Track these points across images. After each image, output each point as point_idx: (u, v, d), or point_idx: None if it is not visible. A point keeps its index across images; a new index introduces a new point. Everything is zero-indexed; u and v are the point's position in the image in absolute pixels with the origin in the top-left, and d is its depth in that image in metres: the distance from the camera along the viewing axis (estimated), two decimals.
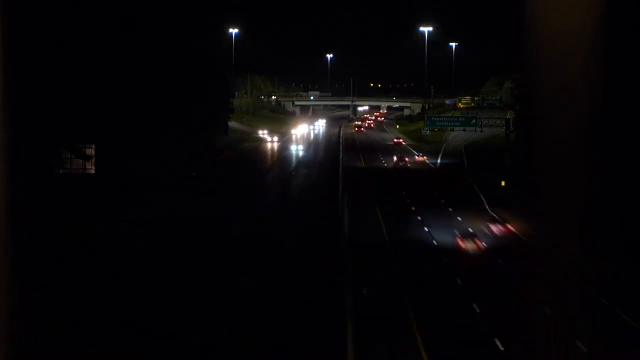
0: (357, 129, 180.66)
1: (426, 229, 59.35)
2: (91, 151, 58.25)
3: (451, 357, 31.71)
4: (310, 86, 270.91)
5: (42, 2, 54.12)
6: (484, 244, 52.61)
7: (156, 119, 73.41)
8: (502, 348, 32.21)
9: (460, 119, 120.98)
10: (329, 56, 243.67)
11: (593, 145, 56.79)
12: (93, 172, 58.08)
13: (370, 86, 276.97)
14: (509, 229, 58.94)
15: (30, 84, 50.43)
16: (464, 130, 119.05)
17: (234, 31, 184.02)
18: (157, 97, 73.45)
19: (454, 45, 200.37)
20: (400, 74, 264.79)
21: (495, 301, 38.87)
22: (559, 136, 63.75)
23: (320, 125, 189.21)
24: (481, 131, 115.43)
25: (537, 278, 32.67)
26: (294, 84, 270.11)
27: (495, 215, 65.14)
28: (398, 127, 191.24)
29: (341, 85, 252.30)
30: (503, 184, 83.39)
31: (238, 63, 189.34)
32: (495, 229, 58.73)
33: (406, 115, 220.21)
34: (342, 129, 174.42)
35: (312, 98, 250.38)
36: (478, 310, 37.64)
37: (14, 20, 48.01)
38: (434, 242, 55.07)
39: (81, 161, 57.98)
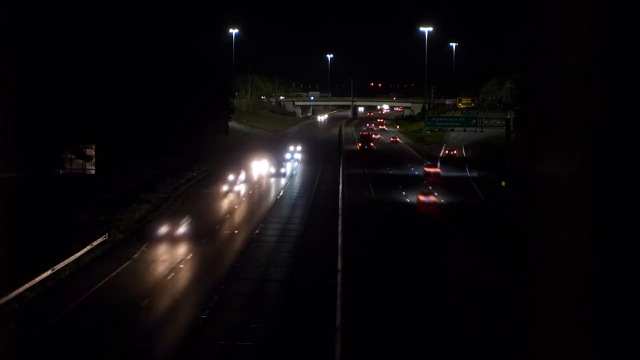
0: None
1: None
2: (91, 151, 58.24)
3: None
4: (310, 86, 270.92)
5: (43, 3, 54.14)
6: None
7: (156, 119, 73.41)
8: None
9: (460, 119, 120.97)
10: (329, 56, 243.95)
11: (593, 145, 56.82)
12: (93, 172, 58.06)
13: (371, 86, 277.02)
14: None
15: (31, 85, 50.45)
16: (464, 130, 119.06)
17: (234, 31, 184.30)
18: (157, 97, 73.45)
19: (454, 45, 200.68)
20: (400, 74, 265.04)
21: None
22: (558, 136, 63.79)
23: (297, 158, 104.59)
24: (481, 131, 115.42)
25: None
26: (294, 84, 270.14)
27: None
28: (398, 127, 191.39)
29: (341, 85, 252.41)
30: (503, 183, 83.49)
31: (238, 63, 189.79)
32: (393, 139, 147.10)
33: (406, 115, 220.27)
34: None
35: (312, 98, 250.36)
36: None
37: (15, 21, 48.02)
38: None
39: (81, 161, 57.97)
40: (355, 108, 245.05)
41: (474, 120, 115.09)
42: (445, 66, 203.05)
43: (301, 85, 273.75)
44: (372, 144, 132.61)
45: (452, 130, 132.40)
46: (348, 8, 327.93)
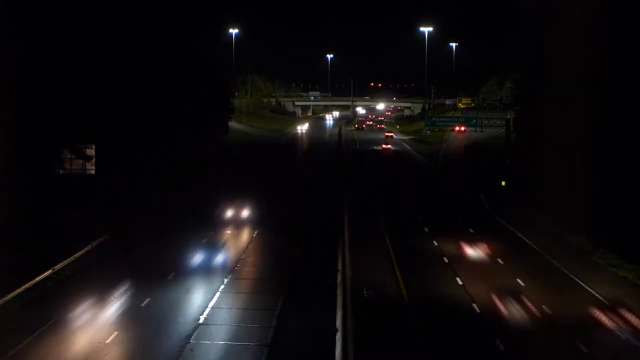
0: None
1: None
2: (91, 151, 58.21)
3: None
4: (310, 86, 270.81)
5: (43, 3, 54.13)
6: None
7: (155, 119, 73.38)
8: None
9: (460, 119, 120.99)
10: (329, 56, 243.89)
11: (592, 145, 56.77)
12: (93, 172, 58.06)
13: (371, 86, 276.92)
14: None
15: (31, 84, 50.46)
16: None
17: (234, 31, 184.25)
18: (156, 98, 73.43)
19: (454, 45, 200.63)
20: (400, 74, 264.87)
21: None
22: (558, 136, 63.77)
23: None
24: (481, 131, 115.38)
25: None
26: (293, 84, 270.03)
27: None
28: (398, 127, 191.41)
29: (341, 85, 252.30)
30: (503, 183, 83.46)
31: (238, 63, 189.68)
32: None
33: (406, 115, 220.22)
34: None
35: (312, 98, 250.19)
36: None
37: (15, 21, 48.03)
38: None
39: (81, 161, 57.95)
40: (355, 108, 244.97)
41: (474, 120, 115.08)
42: (445, 66, 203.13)
43: (301, 85, 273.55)
44: (364, 126, 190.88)
45: (452, 130, 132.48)
46: (348, 8, 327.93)
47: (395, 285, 40.71)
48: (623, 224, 50.77)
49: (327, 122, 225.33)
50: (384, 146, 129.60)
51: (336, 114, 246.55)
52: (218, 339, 32.75)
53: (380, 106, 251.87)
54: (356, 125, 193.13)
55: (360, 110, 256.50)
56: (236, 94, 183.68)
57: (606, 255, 48.59)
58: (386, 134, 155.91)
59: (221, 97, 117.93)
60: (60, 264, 42.60)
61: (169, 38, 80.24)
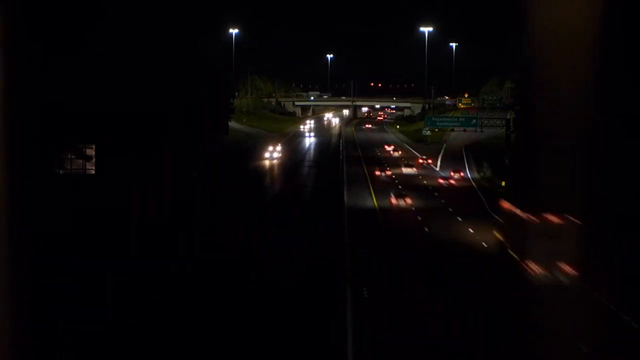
0: None
1: None
2: (91, 151, 58.24)
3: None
4: (310, 86, 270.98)
5: (43, 3, 54.14)
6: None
7: (155, 119, 73.37)
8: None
9: (460, 119, 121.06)
10: (329, 56, 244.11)
11: (592, 145, 56.86)
12: (93, 172, 58.08)
13: (371, 86, 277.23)
14: None
15: (30, 84, 50.48)
16: (464, 130, 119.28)
17: (234, 31, 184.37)
18: (156, 98, 73.43)
19: (454, 45, 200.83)
20: (400, 74, 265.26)
21: None
22: (558, 136, 63.84)
23: None
24: (481, 131, 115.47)
25: None
26: (293, 84, 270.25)
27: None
28: (398, 127, 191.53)
29: (341, 85, 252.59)
30: (503, 183, 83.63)
31: (238, 63, 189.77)
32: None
33: (406, 115, 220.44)
34: None
35: (312, 98, 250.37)
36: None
37: (14, 20, 48.07)
38: None
39: (81, 161, 57.98)
40: (356, 108, 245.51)
41: (474, 120, 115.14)
42: (445, 66, 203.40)
43: (301, 86, 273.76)
44: (371, 115, 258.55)
45: (452, 130, 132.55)
46: (348, 8, 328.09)
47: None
48: (623, 223, 50.85)
49: (307, 139, 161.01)
50: (368, 126, 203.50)
51: (312, 122, 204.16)
52: None
53: (392, 105, 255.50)
54: (365, 114, 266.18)
55: (376, 106, 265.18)
56: (236, 94, 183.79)
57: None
58: (379, 118, 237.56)
59: (221, 97, 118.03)
60: None
61: (169, 38, 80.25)
